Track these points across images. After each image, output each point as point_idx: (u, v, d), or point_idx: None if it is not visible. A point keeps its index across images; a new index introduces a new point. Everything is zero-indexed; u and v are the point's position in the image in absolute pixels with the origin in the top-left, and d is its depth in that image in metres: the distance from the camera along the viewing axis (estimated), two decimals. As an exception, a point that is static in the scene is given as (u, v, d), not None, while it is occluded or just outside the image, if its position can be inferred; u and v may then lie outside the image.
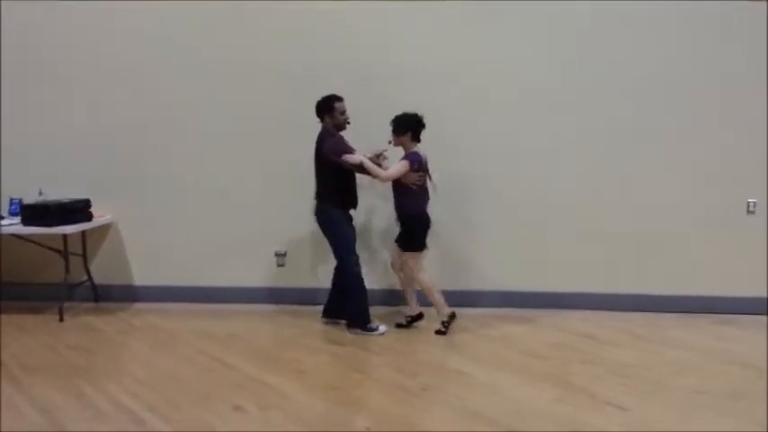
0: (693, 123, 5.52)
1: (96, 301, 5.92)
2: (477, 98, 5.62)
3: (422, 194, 5.04)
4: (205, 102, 5.72)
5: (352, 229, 5.16)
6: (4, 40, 5.72)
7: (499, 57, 5.58)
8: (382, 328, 5.08)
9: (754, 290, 5.55)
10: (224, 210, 5.77)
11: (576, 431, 3.39)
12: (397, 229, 5.17)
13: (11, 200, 5.72)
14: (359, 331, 5.05)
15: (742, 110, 5.46)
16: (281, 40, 5.61)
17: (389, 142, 5.03)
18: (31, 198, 5.56)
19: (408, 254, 5.06)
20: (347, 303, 5.12)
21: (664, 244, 5.61)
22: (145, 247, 5.91)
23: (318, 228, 5.15)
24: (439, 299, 5.07)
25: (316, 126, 5.04)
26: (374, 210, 5.66)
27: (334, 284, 5.28)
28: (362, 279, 5.07)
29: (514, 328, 5.22)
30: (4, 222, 5.42)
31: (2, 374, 4.17)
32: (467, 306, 5.64)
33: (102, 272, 5.94)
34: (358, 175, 5.12)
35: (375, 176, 4.94)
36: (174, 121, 5.76)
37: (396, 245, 5.17)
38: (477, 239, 5.74)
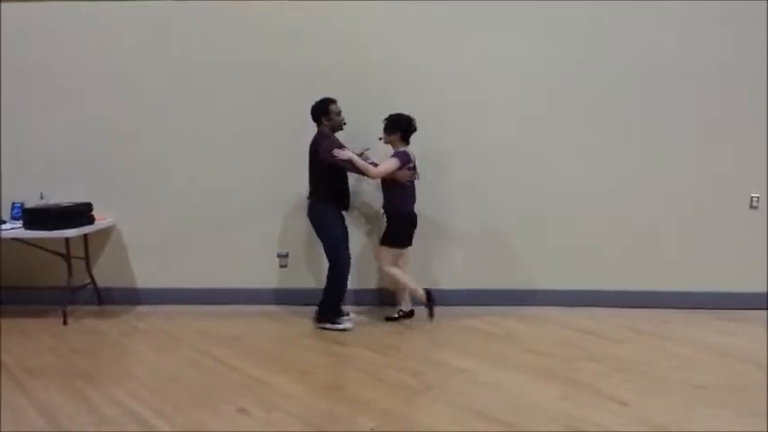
0: (696, 119, 5.52)
1: (99, 303, 5.93)
2: (478, 98, 5.62)
3: (409, 193, 5.17)
4: (206, 104, 5.72)
5: (344, 228, 5.25)
6: (5, 42, 5.72)
7: (501, 57, 5.58)
8: (348, 324, 5.17)
9: (756, 285, 5.56)
10: (226, 211, 5.77)
11: (580, 428, 3.39)
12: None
13: (13, 204, 5.72)
14: (328, 326, 5.17)
15: (745, 105, 5.46)
16: (280, 41, 5.61)
17: (380, 138, 5.15)
18: (32, 202, 5.57)
19: (382, 247, 5.21)
20: (323, 297, 5.22)
21: (667, 240, 5.62)
22: (147, 249, 5.91)
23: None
24: (413, 287, 5.21)
25: (315, 127, 5.10)
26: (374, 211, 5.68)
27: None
28: (346, 278, 5.18)
29: (518, 326, 5.22)
30: (6, 226, 5.43)
31: (6, 378, 4.18)
32: (472, 305, 5.67)
33: (104, 275, 5.94)
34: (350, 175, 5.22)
35: (365, 173, 5.03)
36: (176, 123, 5.76)
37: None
38: (480, 238, 5.74)
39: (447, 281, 5.78)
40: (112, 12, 5.65)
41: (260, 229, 5.77)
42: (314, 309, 5.46)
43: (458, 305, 5.68)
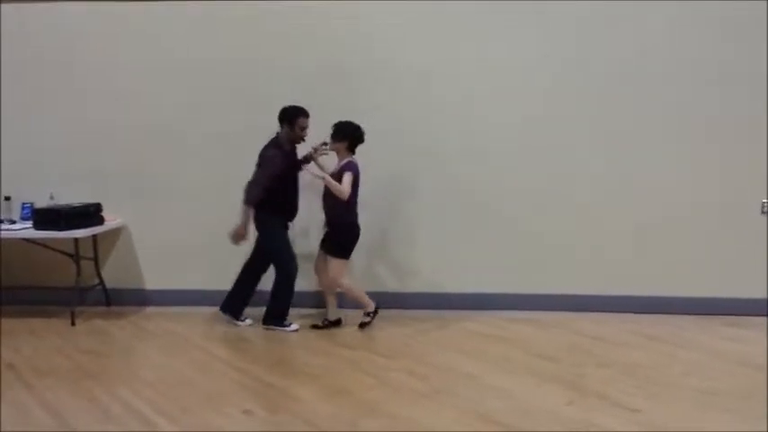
0: (707, 124, 5.47)
1: (108, 304, 5.95)
2: (476, 98, 5.61)
3: (354, 203, 5.08)
4: (215, 104, 5.74)
5: (287, 235, 5.29)
6: (13, 43, 5.75)
7: (500, 57, 5.57)
8: (294, 325, 5.23)
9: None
10: (235, 214, 5.75)
11: (587, 434, 3.38)
12: (319, 234, 5.26)
13: (23, 204, 5.76)
14: (274, 327, 5.21)
15: (756, 110, 5.41)
16: (291, 41, 5.62)
17: (325, 144, 5.09)
18: (42, 202, 5.60)
19: (335, 260, 5.08)
20: (271, 301, 5.26)
21: (676, 245, 5.57)
22: (156, 250, 5.93)
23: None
24: (364, 298, 5.21)
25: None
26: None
27: (240, 280, 5.42)
28: (294, 284, 5.20)
29: (526, 331, 5.20)
30: (16, 226, 5.47)
31: (14, 378, 4.20)
32: (477, 309, 5.65)
33: (113, 276, 5.97)
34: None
35: (336, 193, 4.91)
36: (186, 124, 5.78)
37: (321, 249, 5.23)
38: (484, 241, 5.72)
39: (453, 284, 5.76)
40: (119, 12, 5.68)
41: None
42: (321, 312, 5.46)
43: (464, 309, 5.66)
